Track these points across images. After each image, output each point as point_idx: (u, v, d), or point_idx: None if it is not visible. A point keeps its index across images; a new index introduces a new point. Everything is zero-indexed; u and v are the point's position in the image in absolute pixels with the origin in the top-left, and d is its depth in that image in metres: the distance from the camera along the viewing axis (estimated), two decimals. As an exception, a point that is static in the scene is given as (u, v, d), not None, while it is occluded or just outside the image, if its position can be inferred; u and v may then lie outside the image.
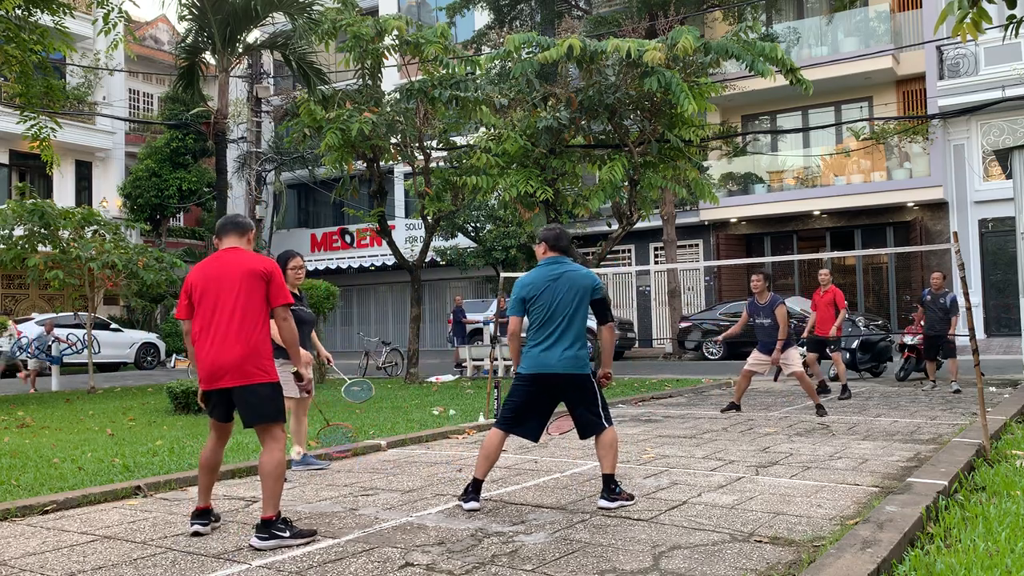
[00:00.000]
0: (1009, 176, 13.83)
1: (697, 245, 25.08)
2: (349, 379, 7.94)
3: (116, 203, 29.36)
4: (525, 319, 5.32)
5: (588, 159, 14.67)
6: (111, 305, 28.41)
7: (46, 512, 5.40)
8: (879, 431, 8.24)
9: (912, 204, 21.99)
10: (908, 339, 13.20)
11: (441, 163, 17.81)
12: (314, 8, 18.72)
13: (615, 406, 10.90)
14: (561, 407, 5.37)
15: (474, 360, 17.31)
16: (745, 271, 23.17)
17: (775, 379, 13.71)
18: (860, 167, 22.62)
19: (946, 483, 5.21)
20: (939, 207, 21.79)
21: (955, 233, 7.17)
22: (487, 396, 10.45)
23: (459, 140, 17.53)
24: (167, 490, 6.05)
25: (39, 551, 4.48)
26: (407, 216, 27.84)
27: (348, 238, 30.71)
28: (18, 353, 18.03)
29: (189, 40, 19.35)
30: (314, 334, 6.98)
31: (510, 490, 5.77)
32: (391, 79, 21.85)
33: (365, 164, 16.07)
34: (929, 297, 11.98)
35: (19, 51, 12.94)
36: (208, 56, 19.86)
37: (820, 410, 9.63)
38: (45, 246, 15.58)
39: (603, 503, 5.13)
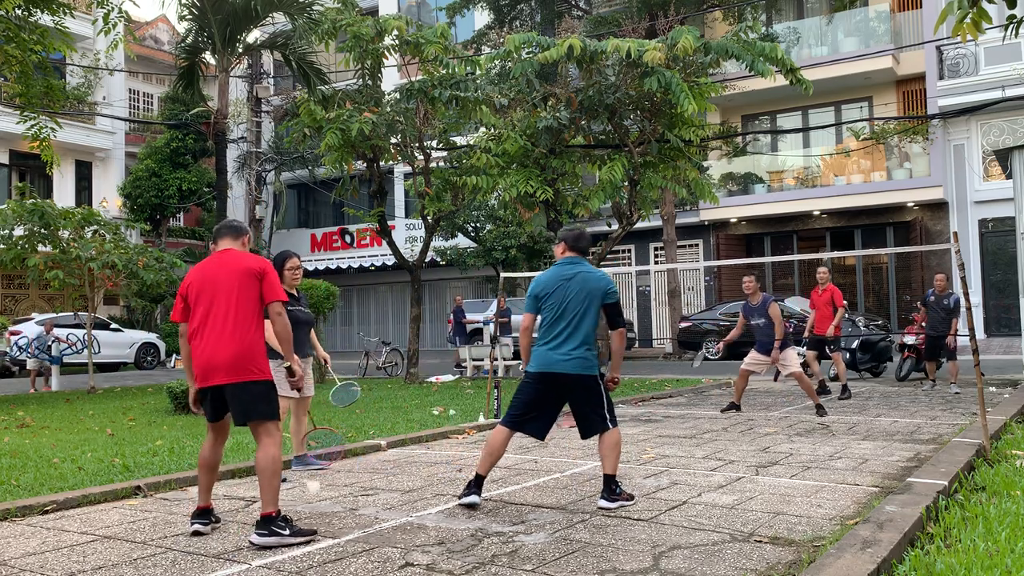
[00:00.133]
0: (1009, 176, 13.83)
1: (697, 245, 25.08)
2: (340, 381, 7.92)
3: (116, 203, 29.35)
4: (538, 317, 5.34)
5: (588, 159, 14.67)
6: (111, 305, 28.40)
7: (46, 512, 5.41)
8: (879, 431, 8.24)
9: (912, 204, 21.98)
10: (908, 339, 13.22)
11: (441, 163, 17.80)
12: (314, 8, 18.71)
13: (615, 406, 10.88)
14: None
15: (474, 360, 17.32)
16: (745, 271, 23.14)
17: (775, 379, 13.71)
18: (860, 167, 22.61)
19: (946, 483, 5.21)
20: (939, 207, 21.78)
21: (955, 233, 7.17)
22: (487, 396, 10.46)
23: (459, 140, 17.53)
24: (167, 490, 6.05)
25: (39, 551, 4.48)
26: (407, 216, 27.83)
27: (348, 238, 30.69)
28: (18, 353, 18.04)
29: (189, 40, 19.35)
30: (313, 335, 6.97)
31: (510, 490, 5.77)
32: (391, 79, 21.84)
33: (365, 164, 16.07)
34: (933, 298, 12.02)
35: (19, 51, 12.95)
36: (208, 56, 19.86)
37: (820, 410, 9.64)
38: (45, 246, 15.59)
39: (603, 503, 5.13)
